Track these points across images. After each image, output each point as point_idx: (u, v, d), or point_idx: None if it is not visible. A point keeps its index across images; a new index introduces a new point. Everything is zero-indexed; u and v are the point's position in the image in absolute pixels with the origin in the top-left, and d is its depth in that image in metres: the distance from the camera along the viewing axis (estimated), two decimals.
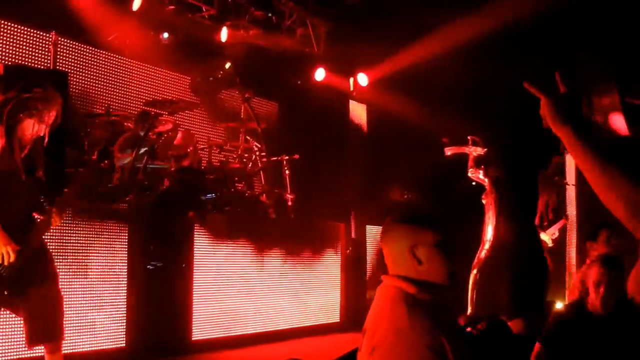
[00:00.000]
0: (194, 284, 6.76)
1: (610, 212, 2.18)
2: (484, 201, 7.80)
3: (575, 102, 2.31)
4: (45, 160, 4.90)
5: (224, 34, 9.26)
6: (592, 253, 5.58)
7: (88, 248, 5.98)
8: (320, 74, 10.49)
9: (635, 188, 2.07)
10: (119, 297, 6.17)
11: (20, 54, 7.71)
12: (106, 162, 7.41)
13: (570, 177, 9.96)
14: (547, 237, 8.61)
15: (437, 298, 2.80)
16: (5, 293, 4.50)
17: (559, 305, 7.40)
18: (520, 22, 9.12)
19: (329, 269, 8.43)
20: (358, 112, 10.90)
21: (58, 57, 7.82)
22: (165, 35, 9.11)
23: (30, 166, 4.76)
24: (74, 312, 5.75)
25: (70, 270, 5.79)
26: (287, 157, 8.99)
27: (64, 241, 5.79)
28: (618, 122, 8.93)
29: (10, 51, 7.61)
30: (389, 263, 2.91)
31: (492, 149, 7.64)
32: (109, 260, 6.15)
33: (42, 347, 4.68)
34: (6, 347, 5.33)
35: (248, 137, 9.04)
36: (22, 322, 4.67)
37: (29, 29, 7.79)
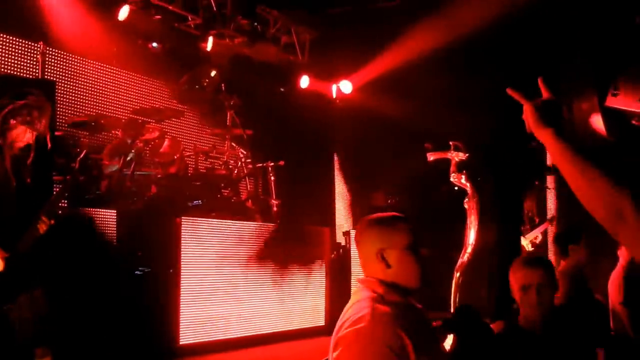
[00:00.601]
0: (181, 289, 6.84)
1: (588, 214, 2.24)
2: (466, 205, 7.91)
3: (557, 107, 2.35)
4: (33, 167, 4.99)
5: (209, 43, 9.36)
6: (573, 255, 5.57)
7: (75, 253, 6.07)
8: (304, 81, 10.61)
9: (615, 191, 2.09)
10: (107, 303, 6.26)
11: (8, 63, 7.81)
12: (94, 169, 7.50)
13: (550, 180, 10.07)
14: (526, 241, 8.72)
15: (406, 300, 2.86)
16: None
17: None
18: (501, 27, 9.25)
19: (314, 273, 8.51)
20: (342, 118, 11.02)
21: (46, 66, 7.92)
22: (155, 44, 9.19)
23: (19, 173, 4.84)
24: (62, 316, 5.83)
25: (59, 276, 5.86)
26: (272, 164, 9.10)
27: (52, 247, 5.86)
28: (598, 124, 9.08)
29: None
30: (362, 265, 2.97)
31: (475, 154, 7.75)
32: (96, 266, 6.24)
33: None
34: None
35: (234, 144, 9.13)
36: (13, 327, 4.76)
37: (17, 39, 7.90)
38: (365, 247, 2.94)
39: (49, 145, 4.90)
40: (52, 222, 4.79)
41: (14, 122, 4.69)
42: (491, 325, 5.84)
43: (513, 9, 8.80)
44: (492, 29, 9.11)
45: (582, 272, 5.62)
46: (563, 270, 5.51)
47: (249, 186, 9.22)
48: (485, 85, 9.22)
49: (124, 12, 8.33)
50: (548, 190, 9.97)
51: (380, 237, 2.90)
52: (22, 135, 4.74)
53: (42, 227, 4.75)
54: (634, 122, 7.86)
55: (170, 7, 8.90)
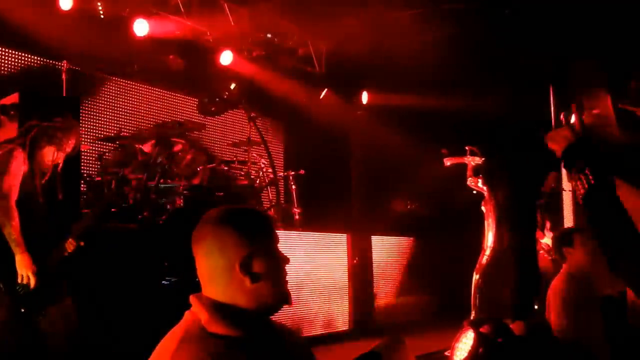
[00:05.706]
0: None
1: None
2: (483, 208, 8.00)
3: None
4: (62, 185, 5.20)
5: (228, 56, 9.56)
6: (569, 257, 5.58)
7: (103, 266, 6.24)
8: (322, 92, 10.78)
9: None
10: (135, 313, 6.43)
11: (34, 82, 8.02)
12: (120, 183, 7.70)
13: (567, 183, 10.07)
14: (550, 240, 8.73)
15: (248, 333, 2.05)
16: (22, 310, 4.78)
17: None
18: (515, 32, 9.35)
19: (337, 278, 8.65)
20: (360, 126, 11.15)
21: (69, 84, 8.14)
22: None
23: (49, 190, 5.05)
24: (90, 330, 5.98)
25: (86, 288, 6.02)
26: (293, 173, 9.23)
27: (79, 260, 6.00)
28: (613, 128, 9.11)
29: (24, 80, 7.94)
30: (203, 279, 2.18)
31: (490, 158, 7.84)
32: (125, 277, 6.41)
33: None
34: None
35: (255, 155, 9.28)
36: (44, 338, 4.93)
37: (40, 59, 8.13)
38: (216, 255, 2.11)
39: (60, 166, 5.08)
40: (82, 243, 4.99)
41: (42, 143, 4.91)
42: (511, 326, 5.94)
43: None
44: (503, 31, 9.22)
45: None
46: (567, 273, 5.58)
47: (270, 195, 9.36)
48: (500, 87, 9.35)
49: (143, 29, 8.51)
50: (564, 192, 9.96)
51: (247, 240, 2.09)
52: (50, 155, 4.96)
53: (70, 247, 4.94)
54: None
55: (189, 22, 9.09)
